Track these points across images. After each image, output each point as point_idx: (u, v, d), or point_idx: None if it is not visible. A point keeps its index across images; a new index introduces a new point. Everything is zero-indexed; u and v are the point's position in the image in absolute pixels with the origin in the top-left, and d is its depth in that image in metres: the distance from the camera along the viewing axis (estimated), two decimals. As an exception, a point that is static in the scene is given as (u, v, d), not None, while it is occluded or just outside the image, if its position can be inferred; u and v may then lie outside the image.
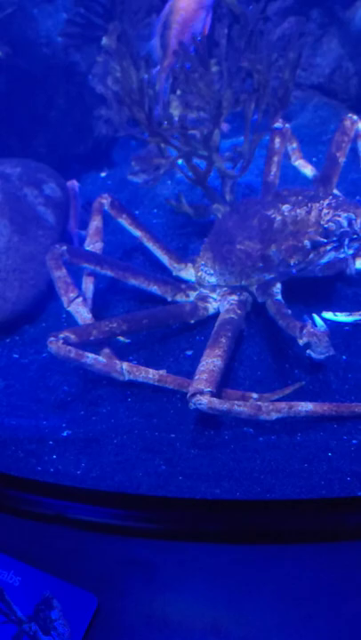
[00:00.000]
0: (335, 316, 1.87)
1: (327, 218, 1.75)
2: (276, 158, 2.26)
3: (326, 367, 1.76)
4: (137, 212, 2.50)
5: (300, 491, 1.45)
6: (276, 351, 1.83)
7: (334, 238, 1.76)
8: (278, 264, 1.81)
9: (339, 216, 1.74)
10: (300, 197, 1.83)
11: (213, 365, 1.62)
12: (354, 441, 1.57)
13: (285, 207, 1.83)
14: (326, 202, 1.79)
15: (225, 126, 2.38)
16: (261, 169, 2.44)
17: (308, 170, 2.40)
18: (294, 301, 1.92)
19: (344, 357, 1.79)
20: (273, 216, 1.83)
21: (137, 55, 1.89)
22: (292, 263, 1.78)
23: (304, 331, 1.65)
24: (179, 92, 1.93)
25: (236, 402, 1.57)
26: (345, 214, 1.74)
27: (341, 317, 1.87)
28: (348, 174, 2.48)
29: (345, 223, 1.73)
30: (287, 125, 2.34)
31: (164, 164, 1.92)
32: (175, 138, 1.92)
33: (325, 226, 1.73)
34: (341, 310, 1.90)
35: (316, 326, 1.73)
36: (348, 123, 2.31)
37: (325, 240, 1.74)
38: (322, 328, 1.73)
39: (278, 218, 1.82)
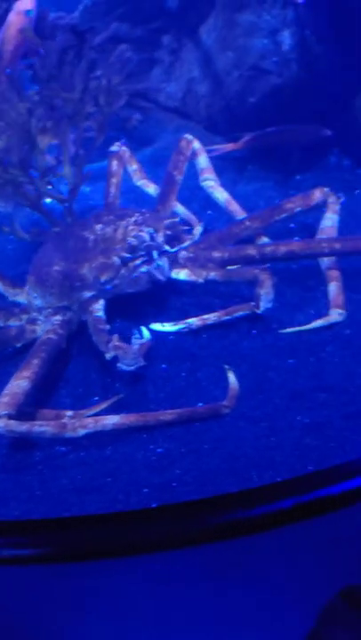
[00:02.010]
0: (163, 326, 1.83)
1: (132, 234, 1.69)
2: (114, 180, 2.22)
3: (146, 378, 1.71)
4: (-5, 239, 2.42)
5: (98, 506, 1.38)
6: (99, 367, 1.76)
7: (142, 252, 1.70)
8: (93, 282, 1.74)
9: (142, 231, 1.69)
10: (111, 217, 1.77)
11: (18, 387, 1.55)
12: (159, 450, 1.51)
13: (98, 227, 1.79)
14: (133, 219, 1.75)
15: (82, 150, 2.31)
16: (122, 191, 2.39)
17: (151, 189, 2.36)
18: (126, 316, 1.88)
19: (164, 366, 1.74)
20: (87, 236, 1.77)
21: None
22: (103, 280, 1.71)
23: (110, 344, 1.58)
24: None
25: (37, 422, 1.50)
26: (147, 229, 1.69)
27: (168, 327, 1.83)
28: (200, 191, 2.43)
29: (147, 237, 1.69)
30: (124, 148, 2.29)
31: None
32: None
33: (129, 241, 1.67)
34: (170, 320, 1.85)
35: (141, 338, 1.69)
36: (184, 143, 2.30)
37: (131, 255, 1.68)
38: (145, 339, 1.69)
39: (92, 237, 1.76)
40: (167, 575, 1.23)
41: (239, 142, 2.62)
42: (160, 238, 1.69)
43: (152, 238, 1.69)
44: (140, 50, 2.92)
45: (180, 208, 2.33)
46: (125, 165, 2.31)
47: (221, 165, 2.66)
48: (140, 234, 1.68)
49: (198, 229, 2.36)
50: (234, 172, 2.68)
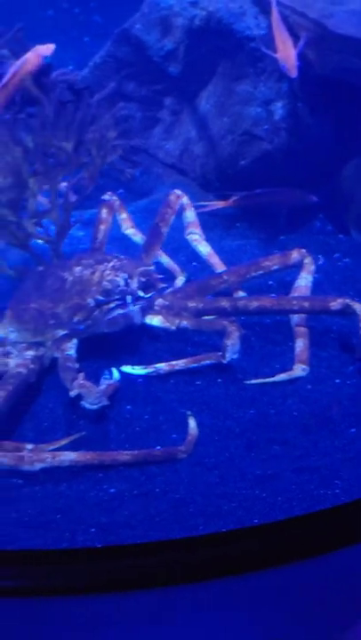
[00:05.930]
0: (133, 369, 1.81)
1: (108, 278, 1.68)
2: (102, 227, 2.23)
3: (110, 417, 1.67)
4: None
5: (42, 542, 1.32)
6: (66, 403, 1.71)
7: (117, 296, 1.69)
8: (67, 321, 1.72)
9: (117, 276, 1.68)
10: (91, 260, 1.76)
11: (-20, 417, 1.50)
12: (112, 490, 1.46)
13: (77, 269, 1.78)
14: (111, 264, 1.74)
15: (72, 197, 2.32)
16: (114, 238, 2.39)
17: (138, 238, 2.37)
18: (100, 356, 1.86)
19: (129, 407, 1.70)
20: (66, 277, 1.76)
21: None
22: (76, 320, 1.70)
23: (74, 382, 1.55)
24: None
25: (-6, 453, 1.44)
26: (123, 274, 1.67)
27: (138, 370, 1.81)
28: (188, 244, 2.42)
29: (122, 282, 1.69)
30: (114, 197, 2.30)
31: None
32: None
33: (104, 285, 1.66)
34: (142, 364, 1.82)
35: (110, 378, 1.72)
36: (173, 197, 2.32)
37: (104, 299, 1.67)
38: (113, 380, 1.70)
39: (70, 279, 1.75)
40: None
41: (229, 200, 2.64)
42: (134, 284, 1.69)
43: (126, 284, 1.69)
44: (145, 108, 2.99)
45: (164, 258, 2.33)
46: (115, 214, 2.32)
47: (211, 221, 2.68)
48: (116, 278, 1.68)
49: (181, 279, 2.37)
50: (222, 228, 2.70)
